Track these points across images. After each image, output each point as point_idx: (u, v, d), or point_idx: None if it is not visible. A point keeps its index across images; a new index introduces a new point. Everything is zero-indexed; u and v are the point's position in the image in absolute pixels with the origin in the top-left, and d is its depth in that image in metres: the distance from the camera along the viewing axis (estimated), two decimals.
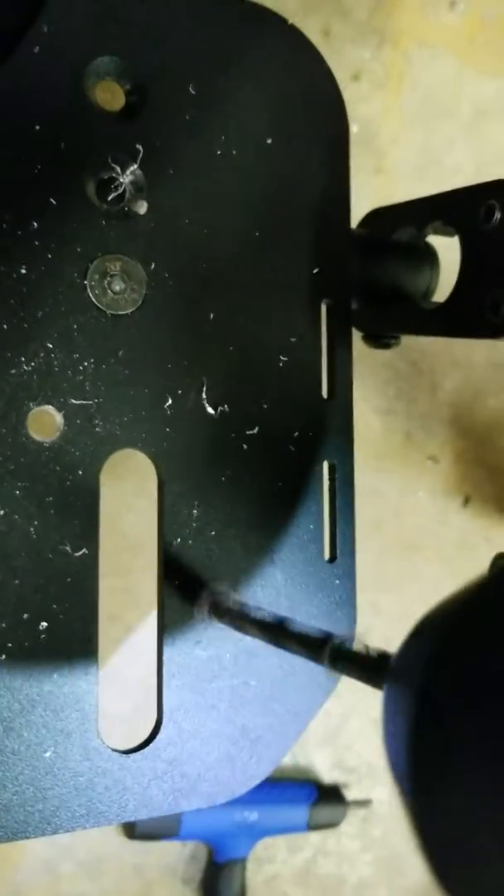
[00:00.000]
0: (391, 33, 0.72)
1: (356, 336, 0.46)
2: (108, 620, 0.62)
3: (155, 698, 0.37)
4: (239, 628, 0.36)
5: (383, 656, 0.29)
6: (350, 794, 0.74)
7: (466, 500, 0.78)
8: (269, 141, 0.40)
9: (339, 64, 0.70)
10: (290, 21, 0.41)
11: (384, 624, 0.74)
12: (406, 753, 0.22)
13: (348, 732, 0.75)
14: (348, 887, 0.76)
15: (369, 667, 0.29)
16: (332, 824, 0.72)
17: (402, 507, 0.76)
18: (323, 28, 0.69)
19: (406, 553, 0.77)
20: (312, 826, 0.71)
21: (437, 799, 0.21)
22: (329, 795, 0.72)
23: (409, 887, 0.78)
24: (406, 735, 0.22)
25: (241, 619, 0.36)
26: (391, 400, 0.75)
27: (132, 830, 0.65)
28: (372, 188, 0.72)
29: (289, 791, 0.70)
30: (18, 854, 0.62)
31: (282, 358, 0.40)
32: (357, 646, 0.30)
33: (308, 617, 0.40)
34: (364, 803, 0.74)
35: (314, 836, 0.74)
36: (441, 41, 0.74)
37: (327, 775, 0.74)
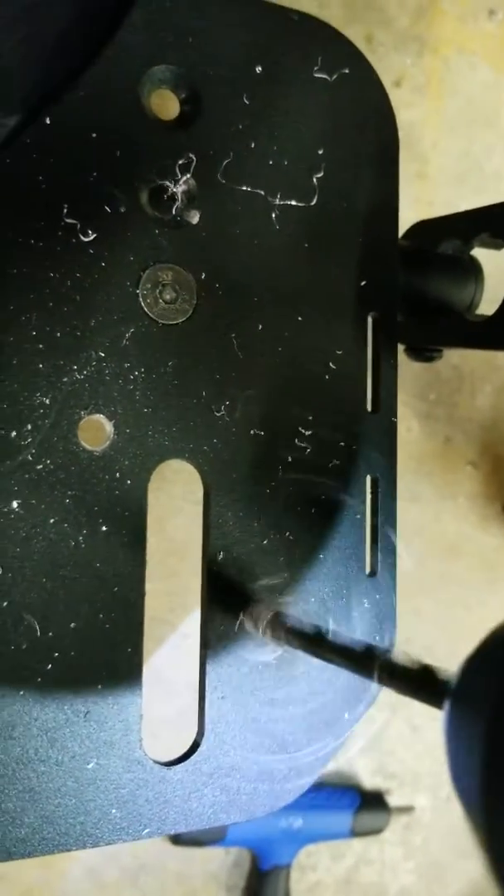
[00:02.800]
0: (432, 41, 0.71)
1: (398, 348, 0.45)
2: (154, 623, 0.59)
3: (196, 710, 0.36)
4: (282, 641, 0.35)
5: (440, 675, 0.27)
6: (392, 801, 0.71)
7: None
8: (320, 151, 0.39)
9: (382, 70, 0.68)
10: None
11: (426, 631, 0.71)
12: (479, 782, 0.20)
13: (390, 738, 0.72)
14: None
15: (427, 684, 0.27)
16: (375, 831, 0.69)
17: (442, 512, 0.74)
18: (366, 35, 0.67)
19: (447, 558, 0.74)
20: (356, 833, 0.68)
21: None
22: (372, 802, 0.69)
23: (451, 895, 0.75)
24: (479, 764, 0.20)
25: (285, 632, 0.34)
26: (431, 404, 0.73)
27: (177, 836, 0.62)
28: (414, 193, 0.70)
29: (333, 797, 0.67)
30: (65, 862, 0.60)
31: (328, 370, 0.39)
32: (403, 658, 0.29)
33: (347, 631, 0.39)
34: (407, 810, 0.71)
35: (357, 844, 0.71)
36: (480, 49, 0.73)
37: (369, 781, 0.71)
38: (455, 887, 0.74)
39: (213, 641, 0.36)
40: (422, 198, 0.70)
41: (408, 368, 0.71)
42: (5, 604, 0.32)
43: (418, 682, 0.27)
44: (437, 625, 0.72)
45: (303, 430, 0.38)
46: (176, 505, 0.59)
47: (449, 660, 0.26)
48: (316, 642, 0.33)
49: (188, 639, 0.61)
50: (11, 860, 0.32)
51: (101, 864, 0.62)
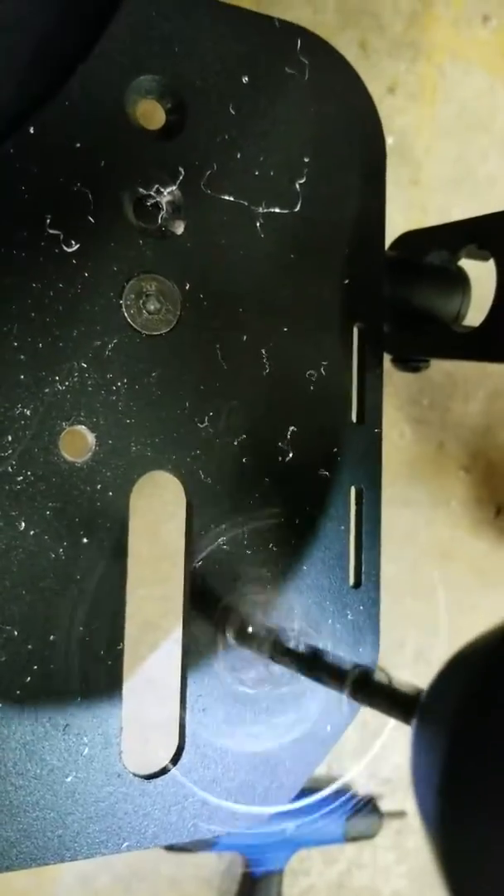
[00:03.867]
0: (426, 47, 0.70)
1: (385, 357, 0.44)
2: (147, 628, 0.59)
3: (177, 723, 0.35)
4: (264, 653, 0.34)
5: (411, 692, 0.27)
6: (384, 806, 0.71)
7: (499, 511, 0.75)
8: (305, 159, 0.38)
9: (376, 76, 0.68)
10: (328, 37, 0.39)
11: (417, 636, 0.70)
12: (436, 794, 0.20)
13: (382, 743, 0.71)
14: None
15: (397, 701, 0.27)
16: (368, 836, 0.69)
17: (434, 517, 0.73)
18: (360, 41, 0.67)
19: (439, 563, 0.73)
20: (349, 837, 0.67)
21: (467, 843, 0.20)
22: (365, 807, 0.69)
23: None
24: (436, 776, 0.20)
25: (267, 644, 0.34)
26: (424, 409, 0.72)
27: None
28: (407, 199, 0.69)
29: (325, 802, 0.67)
30: (57, 868, 0.59)
31: (313, 381, 0.38)
32: (380, 676, 0.29)
33: (331, 643, 0.39)
34: (399, 815, 0.71)
35: (349, 849, 0.71)
36: (474, 55, 0.72)
37: (362, 786, 0.71)
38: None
39: (194, 653, 0.35)
40: (415, 204, 0.70)
41: (401, 374, 0.71)
42: None
43: (389, 698, 0.27)
44: (429, 632, 0.71)
45: (287, 442, 0.38)
46: (169, 510, 0.59)
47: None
48: (294, 656, 0.33)
49: (179, 644, 0.60)
50: None
51: (94, 871, 0.61)
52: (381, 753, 0.71)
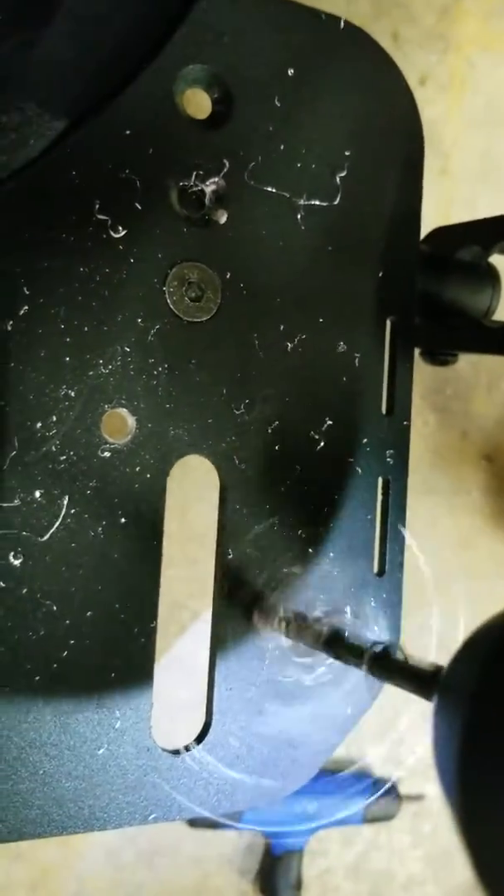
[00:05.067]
0: (456, 39, 0.70)
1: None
2: (175, 608, 0.59)
3: (205, 701, 0.36)
4: (288, 634, 0.35)
5: (433, 668, 0.27)
6: (403, 789, 0.71)
7: None
8: (347, 153, 0.38)
9: (407, 67, 0.67)
10: (362, 26, 0.39)
11: (438, 622, 0.71)
12: (456, 766, 0.21)
13: (402, 727, 0.71)
14: (397, 883, 0.73)
15: (419, 678, 0.28)
16: (386, 818, 0.69)
17: (455, 506, 0.73)
18: (392, 32, 0.66)
19: (459, 552, 0.74)
20: (368, 819, 0.68)
21: (487, 812, 0.20)
22: (383, 789, 0.69)
23: (457, 884, 0.75)
24: (456, 749, 0.21)
25: (291, 626, 0.35)
26: (448, 399, 0.72)
27: (193, 819, 0.62)
28: (435, 190, 0.69)
29: (345, 784, 0.67)
30: (83, 843, 0.60)
31: (345, 372, 0.39)
32: (399, 654, 0.30)
33: (354, 628, 0.39)
34: (417, 798, 0.71)
35: (367, 830, 0.71)
36: (503, 48, 0.71)
37: (381, 769, 0.71)
38: (462, 876, 0.74)
39: (223, 636, 0.36)
40: (442, 195, 0.70)
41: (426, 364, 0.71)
42: (25, 591, 0.32)
43: (409, 675, 0.28)
44: (449, 620, 0.71)
45: (318, 431, 0.38)
46: (198, 493, 0.59)
47: None
48: (318, 637, 0.33)
49: (208, 625, 0.61)
50: (22, 840, 0.32)
51: (118, 846, 0.62)
52: (400, 738, 0.72)
